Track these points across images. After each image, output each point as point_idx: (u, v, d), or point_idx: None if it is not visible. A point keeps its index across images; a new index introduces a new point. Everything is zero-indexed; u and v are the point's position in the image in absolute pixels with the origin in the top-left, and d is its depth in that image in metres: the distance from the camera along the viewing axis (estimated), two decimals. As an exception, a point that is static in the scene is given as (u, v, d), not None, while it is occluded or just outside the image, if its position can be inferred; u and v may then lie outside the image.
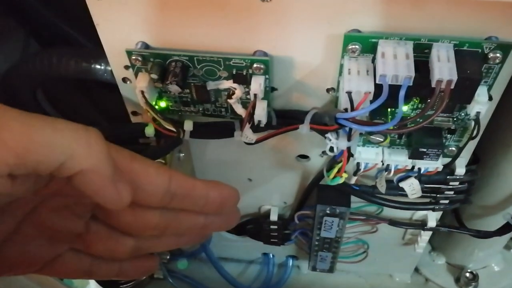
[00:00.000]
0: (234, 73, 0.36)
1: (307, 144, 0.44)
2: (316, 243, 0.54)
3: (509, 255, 0.67)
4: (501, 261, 0.66)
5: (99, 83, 0.49)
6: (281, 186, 0.52)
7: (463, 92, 0.31)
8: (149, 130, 0.40)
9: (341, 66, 0.34)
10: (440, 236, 0.66)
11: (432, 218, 0.51)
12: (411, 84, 0.30)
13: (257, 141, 0.39)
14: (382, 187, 0.42)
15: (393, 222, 0.51)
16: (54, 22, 0.55)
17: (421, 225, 0.52)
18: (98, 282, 0.65)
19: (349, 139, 0.35)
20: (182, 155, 0.43)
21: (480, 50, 0.32)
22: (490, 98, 0.36)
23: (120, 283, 0.65)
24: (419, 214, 0.52)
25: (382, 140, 0.38)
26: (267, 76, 0.36)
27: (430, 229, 0.51)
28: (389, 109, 0.35)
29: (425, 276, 0.67)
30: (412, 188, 0.42)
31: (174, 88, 0.35)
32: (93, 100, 0.62)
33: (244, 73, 0.35)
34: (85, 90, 0.61)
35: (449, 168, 0.43)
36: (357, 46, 0.32)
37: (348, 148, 0.36)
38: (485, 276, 0.65)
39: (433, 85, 0.30)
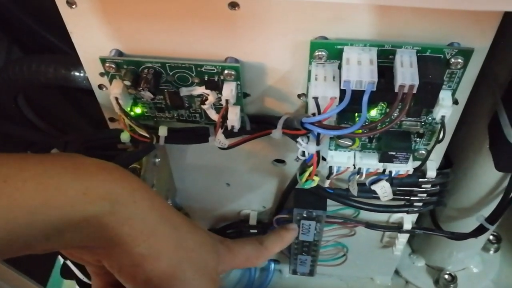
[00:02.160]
0: (206, 79, 0.36)
1: (283, 149, 0.45)
2: (295, 246, 0.55)
3: (488, 257, 0.68)
4: (479, 263, 0.67)
5: (80, 89, 0.50)
6: (259, 191, 0.53)
7: (426, 96, 0.32)
8: (125, 136, 0.40)
9: (309, 72, 0.35)
10: (419, 239, 0.67)
11: (408, 220, 0.52)
12: (374, 89, 0.31)
13: (230, 146, 0.40)
14: (354, 190, 0.43)
15: (370, 225, 0.52)
16: (36, 30, 0.56)
17: (398, 227, 0.53)
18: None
19: (318, 143, 0.36)
20: (158, 160, 0.44)
21: (442, 56, 0.32)
22: (456, 102, 0.37)
23: None
24: (395, 217, 0.53)
25: (350, 144, 0.39)
26: (238, 82, 0.36)
27: (406, 231, 0.52)
28: (356, 114, 0.36)
29: (405, 278, 0.68)
30: (383, 190, 0.43)
31: (146, 95, 0.36)
32: (76, 105, 0.63)
33: (216, 79, 0.36)
34: (67, 95, 0.62)
35: (420, 171, 0.44)
36: (323, 53, 0.33)
37: (318, 152, 0.37)
38: (464, 278, 0.66)
39: (396, 89, 0.31)
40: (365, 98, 0.31)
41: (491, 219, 0.49)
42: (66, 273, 0.68)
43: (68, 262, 0.64)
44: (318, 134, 0.35)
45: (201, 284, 0.32)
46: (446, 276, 0.66)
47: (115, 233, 0.29)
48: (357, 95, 0.32)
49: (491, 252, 0.68)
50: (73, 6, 0.34)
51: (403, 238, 0.55)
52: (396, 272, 0.68)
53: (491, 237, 0.68)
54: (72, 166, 0.28)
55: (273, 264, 0.68)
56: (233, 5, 0.32)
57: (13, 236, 0.25)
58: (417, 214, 0.52)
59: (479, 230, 0.51)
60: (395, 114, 0.33)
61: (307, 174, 0.39)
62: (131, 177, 0.31)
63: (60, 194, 0.27)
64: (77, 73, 0.48)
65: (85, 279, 0.68)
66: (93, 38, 0.36)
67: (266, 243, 0.40)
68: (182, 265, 0.31)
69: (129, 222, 0.29)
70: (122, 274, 0.30)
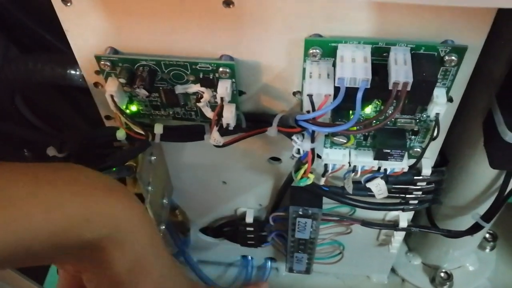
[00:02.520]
0: (201, 77, 0.36)
1: (278, 146, 0.45)
2: (291, 244, 0.55)
3: (483, 255, 0.68)
4: (475, 261, 0.67)
5: (77, 87, 0.50)
6: (256, 189, 0.53)
7: (420, 93, 0.32)
8: (120, 134, 0.40)
9: (304, 69, 0.35)
10: (415, 237, 0.68)
11: (404, 218, 0.52)
12: (368, 86, 0.31)
13: (225, 144, 0.40)
14: (349, 187, 0.43)
15: (366, 223, 0.52)
16: (33, 29, 0.56)
17: (393, 225, 0.53)
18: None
19: (312, 141, 0.36)
20: (154, 158, 0.44)
21: (436, 53, 0.33)
22: (451, 100, 0.37)
23: None
24: (391, 215, 0.53)
25: (345, 141, 0.39)
26: (233, 80, 0.36)
27: (402, 229, 0.52)
28: (350, 112, 0.36)
29: (402, 276, 0.68)
30: (378, 188, 0.43)
31: (142, 92, 0.36)
32: (72, 104, 0.63)
33: (211, 77, 0.36)
34: (64, 94, 0.62)
35: (415, 169, 0.44)
36: (317, 50, 0.33)
37: (312, 150, 0.37)
38: (460, 276, 0.66)
39: (390, 87, 0.31)
40: (359, 95, 0.31)
41: (487, 217, 0.49)
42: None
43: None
44: (313, 131, 0.35)
45: None
46: (442, 274, 0.66)
47: (106, 256, 0.29)
48: (351, 92, 0.32)
49: (487, 250, 0.69)
50: (68, 4, 0.34)
51: (399, 236, 0.55)
52: (393, 270, 0.68)
53: (487, 235, 0.68)
54: (82, 191, 0.28)
55: (269, 262, 0.68)
56: (228, 3, 0.32)
57: (15, 254, 0.26)
58: (413, 212, 0.52)
59: (475, 228, 0.51)
60: (390, 112, 0.33)
61: (302, 171, 0.39)
62: (135, 204, 0.31)
63: (64, 220, 0.27)
64: (73, 72, 0.48)
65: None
66: (88, 36, 0.36)
67: None
68: None
69: (121, 247, 0.29)
70: None
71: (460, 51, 0.32)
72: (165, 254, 0.33)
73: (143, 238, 0.31)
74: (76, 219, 0.27)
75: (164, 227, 0.49)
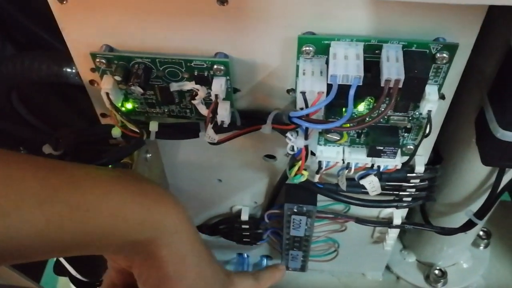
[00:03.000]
0: (195, 74, 0.37)
1: (273, 144, 0.46)
2: (287, 241, 0.55)
3: (478, 253, 0.69)
4: (469, 259, 0.68)
5: (73, 85, 0.50)
6: (251, 186, 0.53)
7: (412, 90, 0.33)
8: (116, 132, 0.41)
9: (297, 67, 0.35)
10: (410, 235, 0.68)
11: (398, 216, 0.52)
12: (360, 83, 0.32)
13: (220, 141, 0.40)
14: (343, 184, 0.44)
15: (360, 220, 0.53)
16: (29, 27, 0.56)
17: (388, 223, 0.53)
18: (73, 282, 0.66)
19: (306, 138, 0.36)
20: (149, 156, 0.44)
21: (428, 51, 0.33)
22: (443, 97, 0.38)
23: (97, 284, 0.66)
24: (385, 212, 0.53)
25: (338, 138, 0.39)
26: (228, 77, 0.37)
27: (396, 226, 0.53)
28: (343, 109, 0.36)
29: (396, 274, 0.69)
30: (372, 185, 0.43)
31: (137, 90, 0.36)
32: (68, 102, 0.63)
33: (206, 74, 0.37)
34: (60, 92, 0.62)
35: (409, 166, 0.44)
36: (311, 48, 0.34)
37: (306, 147, 0.37)
38: (454, 273, 0.66)
39: (382, 84, 0.32)
40: (351, 92, 0.31)
41: (480, 214, 0.50)
42: (59, 269, 0.69)
43: (61, 259, 0.65)
44: (306, 128, 0.36)
45: None
46: (437, 272, 0.66)
47: (154, 254, 0.34)
48: (344, 89, 0.32)
49: (481, 247, 0.69)
50: (64, 2, 0.34)
51: (393, 233, 0.56)
52: (387, 268, 0.69)
53: (481, 232, 0.69)
54: (138, 196, 0.34)
55: (265, 260, 0.68)
56: (222, 1, 0.33)
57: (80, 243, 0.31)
58: (407, 209, 0.53)
59: (468, 225, 0.51)
60: (382, 108, 0.34)
61: (296, 168, 0.40)
62: (180, 208, 0.36)
63: (122, 223, 0.32)
64: (69, 70, 0.48)
65: (78, 276, 0.69)
66: (83, 34, 0.37)
67: (260, 280, 0.46)
68: None
69: (167, 247, 0.34)
70: (146, 285, 0.36)
71: (451, 48, 0.33)
72: (204, 251, 0.38)
73: (187, 240, 0.36)
74: (132, 223, 0.33)
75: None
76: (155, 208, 0.34)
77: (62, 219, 0.29)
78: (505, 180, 0.47)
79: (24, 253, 0.29)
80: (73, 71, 0.47)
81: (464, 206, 0.53)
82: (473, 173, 0.49)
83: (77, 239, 0.30)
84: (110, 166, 0.40)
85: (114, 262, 0.40)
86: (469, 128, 0.44)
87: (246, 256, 0.69)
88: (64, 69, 0.48)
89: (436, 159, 0.50)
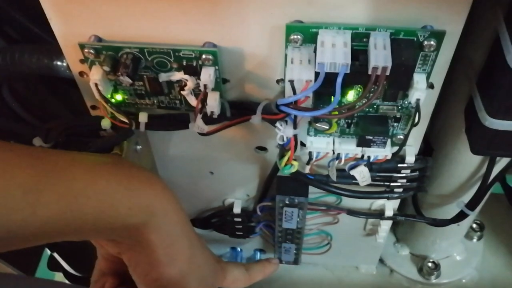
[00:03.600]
0: (184, 64, 0.37)
1: (264, 135, 0.46)
2: (279, 234, 0.55)
3: (471, 245, 0.69)
4: (462, 251, 0.68)
5: (64, 79, 0.50)
6: (243, 179, 0.53)
7: (399, 78, 0.33)
8: (105, 123, 0.41)
9: (286, 56, 0.35)
10: (403, 228, 0.68)
11: (390, 207, 0.52)
12: (348, 71, 0.32)
13: (210, 132, 0.40)
14: (333, 175, 0.44)
15: (352, 212, 0.53)
16: (20, 21, 0.56)
17: (379, 214, 0.53)
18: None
19: (295, 127, 0.36)
20: (139, 147, 0.44)
21: (415, 38, 0.33)
22: (432, 86, 0.38)
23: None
24: (377, 204, 0.53)
25: (327, 127, 0.39)
26: (216, 67, 0.37)
27: (388, 218, 0.53)
28: (332, 97, 0.36)
29: (390, 267, 0.69)
30: (362, 175, 0.43)
31: (125, 80, 0.36)
32: (59, 96, 0.63)
33: (194, 64, 0.37)
34: (50, 86, 0.62)
35: (399, 157, 0.44)
36: (299, 36, 0.34)
37: (295, 136, 0.37)
38: (447, 266, 0.67)
39: (370, 71, 0.32)
40: (339, 79, 0.32)
41: (471, 205, 0.50)
42: (53, 265, 0.69)
43: (55, 254, 0.65)
44: (295, 117, 0.36)
45: None
46: (430, 264, 0.67)
47: (144, 238, 0.34)
48: (332, 77, 0.32)
49: (474, 240, 0.69)
50: (51, -8, 0.34)
51: (385, 225, 0.56)
52: (381, 261, 0.69)
53: (474, 225, 0.69)
54: (125, 181, 0.33)
55: (259, 254, 0.68)
56: (209, -11, 0.33)
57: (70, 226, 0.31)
58: (398, 201, 0.53)
59: (460, 216, 0.51)
60: (370, 95, 0.34)
61: (286, 158, 0.40)
62: (168, 192, 0.36)
63: (111, 208, 0.32)
64: (59, 63, 0.48)
65: (72, 271, 0.69)
66: (72, 25, 0.37)
67: (251, 271, 0.47)
68: (188, 276, 0.37)
69: (157, 231, 0.34)
70: (136, 270, 0.36)
71: (438, 36, 0.33)
72: (194, 235, 0.38)
73: (176, 223, 0.36)
74: (121, 208, 0.32)
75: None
76: (143, 192, 0.34)
77: (49, 207, 0.29)
78: (495, 171, 0.47)
79: (12, 241, 0.29)
80: (64, 64, 0.47)
81: (456, 197, 0.54)
82: (463, 164, 0.49)
83: (65, 225, 0.30)
84: (99, 157, 0.40)
85: (103, 250, 0.40)
86: (459, 119, 0.44)
87: (239, 250, 0.69)
88: (54, 62, 0.48)
89: (427, 150, 0.50)
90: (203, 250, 0.39)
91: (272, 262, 0.52)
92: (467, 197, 0.51)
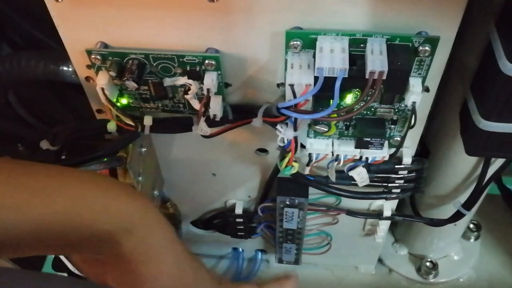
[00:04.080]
0: (188, 69, 0.38)
1: (265, 138, 0.47)
2: (280, 234, 0.57)
3: (468, 245, 0.70)
4: (460, 251, 0.69)
5: (69, 84, 0.51)
6: (244, 180, 0.54)
7: (395, 82, 0.34)
8: (111, 126, 0.42)
9: (286, 61, 0.36)
10: (401, 228, 0.69)
11: (388, 208, 0.54)
12: (346, 75, 0.33)
13: (213, 135, 0.41)
14: (332, 176, 0.45)
15: (351, 212, 0.54)
16: (25, 28, 0.57)
17: (378, 214, 0.54)
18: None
19: (295, 129, 0.38)
20: (144, 150, 0.45)
21: (410, 44, 0.34)
22: (427, 90, 0.39)
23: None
24: (375, 205, 0.54)
25: (326, 130, 0.40)
26: (219, 72, 0.38)
27: (386, 218, 0.54)
28: (331, 101, 0.37)
29: (389, 266, 0.70)
30: (360, 176, 0.44)
31: (131, 85, 0.37)
32: (64, 101, 0.64)
33: (198, 69, 0.38)
34: (56, 91, 0.63)
35: (396, 158, 0.45)
36: (298, 42, 0.35)
37: (295, 138, 0.38)
38: (445, 265, 0.68)
39: (367, 76, 0.33)
40: (337, 84, 0.33)
41: (467, 205, 0.51)
42: (58, 265, 0.70)
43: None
44: (295, 120, 0.37)
45: None
46: (428, 264, 0.68)
47: (124, 251, 0.32)
48: (330, 81, 0.33)
49: (472, 240, 0.70)
50: (59, 0, 0.35)
51: (384, 225, 0.57)
52: (380, 261, 0.70)
53: (471, 225, 0.70)
54: (103, 185, 0.33)
55: (260, 254, 0.70)
56: (212, -2, 0.34)
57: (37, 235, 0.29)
58: (396, 201, 0.54)
59: (456, 216, 0.53)
60: (367, 99, 0.35)
61: (286, 160, 0.41)
62: (151, 206, 0.34)
63: (85, 207, 0.31)
64: (65, 68, 0.50)
65: (77, 272, 0.70)
66: (79, 31, 0.38)
67: None
68: None
69: (139, 244, 0.32)
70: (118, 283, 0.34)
71: (433, 41, 0.34)
72: (184, 254, 0.36)
73: (160, 239, 0.34)
74: (96, 208, 0.31)
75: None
76: (124, 200, 0.33)
77: (20, 205, 0.28)
78: (490, 172, 0.49)
79: None
80: (69, 69, 0.48)
81: (452, 197, 0.55)
82: (459, 165, 0.50)
83: (39, 226, 0.29)
84: (105, 159, 0.41)
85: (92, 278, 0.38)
86: (454, 121, 0.45)
87: (241, 250, 0.70)
88: (60, 68, 0.50)
89: (424, 151, 0.51)
90: (195, 269, 0.37)
91: (291, 279, 0.48)
92: (464, 197, 0.52)
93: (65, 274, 0.69)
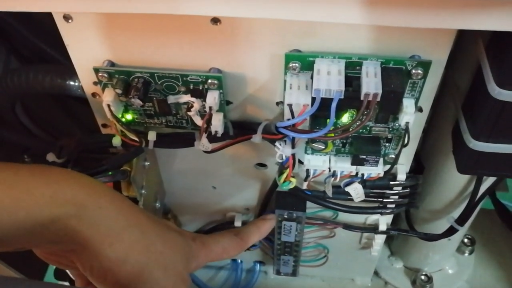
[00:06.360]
0: (191, 88, 0.40)
1: (264, 153, 0.48)
2: (278, 247, 0.58)
3: (462, 259, 0.71)
4: (454, 264, 0.70)
5: (75, 97, 0.53)
6: (244, 193, 0.56)
7: (389, 103, 0.36)
8: (116, 141, 0.43)
9: (285, 81, 0.38)
10: (397, 242, 0.71)
11: (383, 222, 0.55)
12: (342, 97, 0.35)
13: (214, 150, 0.43)
14: (329, 191, 0.46)
15: (348, 226, 0.55)
16: (33, 42, 0.59)
17: (374, 228, 0.56)
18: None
19: (293, 147, 0.39)
20: (147, 163, 0.47)
21: (404, 67, 0.36)
22: (420, 110, 0.41)
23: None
24: (371, 219, 0.56)
25: (323, 147, 0.42)
26: (221, 91, 0.40)
27: (382, 232, 0.55)
28: (327, 120, 0.39)
29: (384, 279, 0.71)
30: (356, 192, 0.46)
31: (136, 102, 0.39)
32: (70, 113, 0.66)
33: (201, 88, 0.40)
34: (62, 104, 0.65)
35: (391, 175, 0.47)
36: (297, 64, 0.37)
37: (293, 155, 0.40)
38: (440, 279, 0.69)
39: (362, 97, 0.35)
40: (333, 105, 0.34)
41: (460, 220, 0.53)
42: (60, 274, 0.71)
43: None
44: (293, 138, 0.38)
45: (169, 283, 0.34)
46: (423, 277, 0.69)
47: (82, 236, 0.31)
48: (327, 102, 0.35)
49: (466, 254, 0.72)
50: (70, 21, 0.37)
51: (379, 239, 0.58)
52: (376, 273, 0.71)
53: (465, 240, 0.72)
54: (40, 173, 0.31)
55: (258, 266, 0.71)
56: (215, 21, 0.36)
57: None
58: (392, 216, 0.55)
59: (450, 231, 0.54)
60: (363, 118, 0.37)
61: (284, 175, 0.42)
62: (98, 184, 0.34)
63: (28, 196, 0.30)
64: (72, 82, 0.51)
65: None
66: (87, 50, 0.40)
67: (242, 234, 0.44)
68: (149, 267, 0.33)
69: (94, 226, 0.31)
70: (93, 276, 0.33)
71: (425, 65, 0.36)
72: (147, 222, 0.35)
73: (118, 215, 0.33)
74: (40, 196, 0.30)
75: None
76: (65, 183, 0.32)
77: None
78: (483, 188, 0.50)
79: None
80: (76, 84, 0.50)
81: (446, 213, 0.56)
82: (452, 182, 0.52)
83: None
84: (110, 173, 0.42)
85: (70, 268, 0.37)
86: (447, 139, 0.47)
87: (239, 261, 0.71)
88: (67, 82, 0.51)
89: (418, 168, 0.53)
90: (163, 234, 0.36)
91: (267, 218, 0.49)
92: (457, 213, 0.53)
93: (67, 283, 0.71)
